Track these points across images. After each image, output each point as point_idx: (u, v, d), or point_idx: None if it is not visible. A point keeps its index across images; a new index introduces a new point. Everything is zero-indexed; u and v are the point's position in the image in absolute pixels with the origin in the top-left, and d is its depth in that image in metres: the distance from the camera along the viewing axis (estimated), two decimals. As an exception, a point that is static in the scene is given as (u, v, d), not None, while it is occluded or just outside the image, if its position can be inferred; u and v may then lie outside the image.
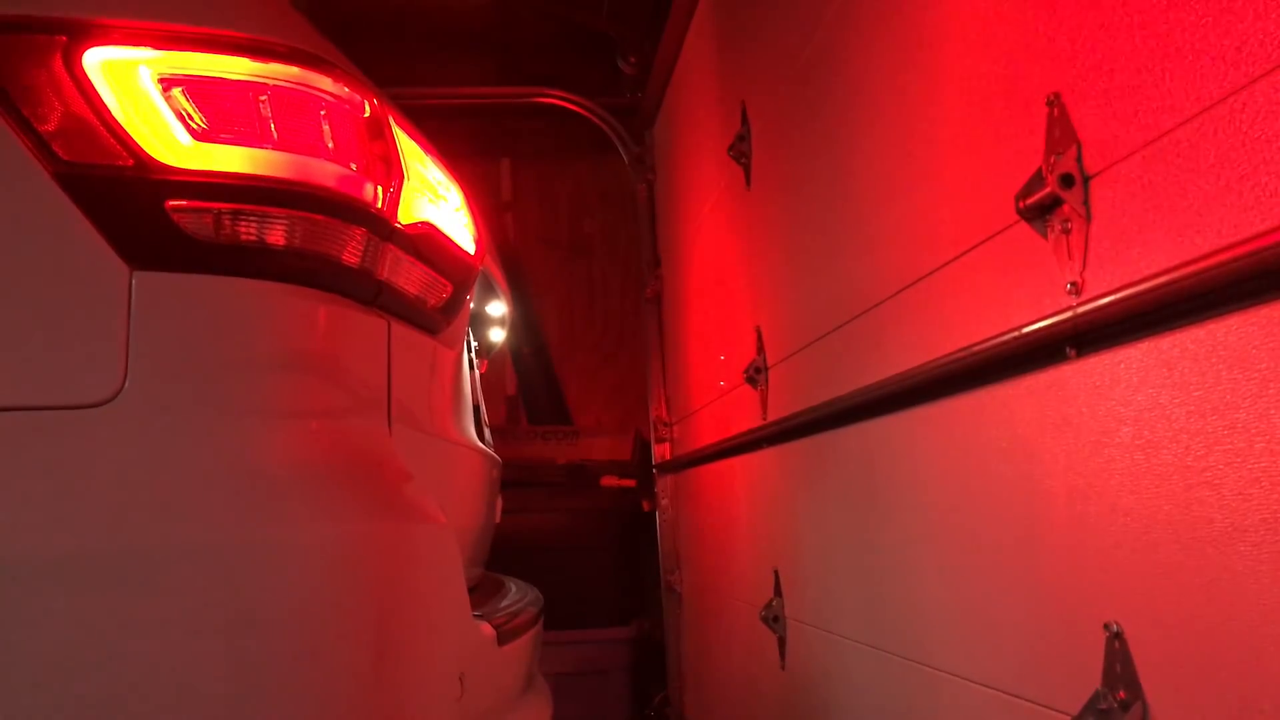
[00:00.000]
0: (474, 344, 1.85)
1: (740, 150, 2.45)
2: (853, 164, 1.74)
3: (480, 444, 1.70)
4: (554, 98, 3.79)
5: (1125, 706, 1.02)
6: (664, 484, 3.70)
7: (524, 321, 4.16)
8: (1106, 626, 1.06)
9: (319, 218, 1.01)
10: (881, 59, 1.60)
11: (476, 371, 1.86)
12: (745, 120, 2.43)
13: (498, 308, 2.02)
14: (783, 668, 2.25)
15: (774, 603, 2.26)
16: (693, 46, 3.09)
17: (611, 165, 3.98)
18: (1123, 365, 1.03)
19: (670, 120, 3.51)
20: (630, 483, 3.91)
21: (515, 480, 2.96)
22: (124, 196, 0.93)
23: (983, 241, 1.29)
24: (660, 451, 3.72)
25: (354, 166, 1.05)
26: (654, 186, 3.84)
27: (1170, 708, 0.98)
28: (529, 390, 4.30)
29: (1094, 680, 1.07)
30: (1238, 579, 0.88)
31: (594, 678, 3.58)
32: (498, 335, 2.12)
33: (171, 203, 0.94)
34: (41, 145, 0.91)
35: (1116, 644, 1.05)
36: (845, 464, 1.84)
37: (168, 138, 0.95)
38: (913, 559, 1.55)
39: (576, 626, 3.50)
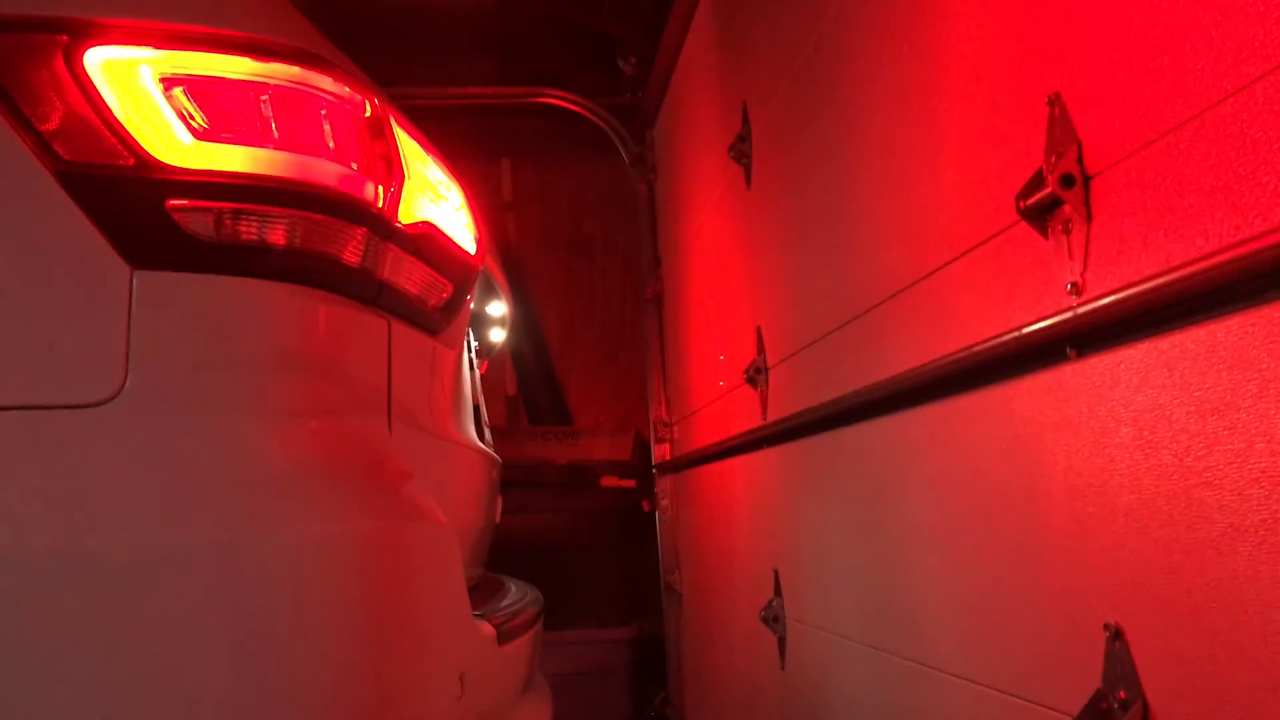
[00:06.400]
0: (474, 344, 1.85)
1: (740, 150, 2.45)
2: (853, 164, 1.74)
3: (480, 444, 1.70)
4: (554, 98, 3.79)
5: (1125, 706, 1.02)
6: (664, 484, 3.69)
7: (524, 321, 4.16)
8: (1106, 626, 1.06)
9: (320, 217, 1.01)
10: (882, 59, 1.60)
11: (476, 371, 1.86)
12: (746, 120, 2.42)
13: (498, 308, 2.02)
14: (783, 668, 2.25)
15: (774, 603, 2.26)
16: (693, 46, 3.09)
17: (612, 165, 3.97)
18: (1123, 366, 1.03)
19: (671, 120, 3.50)
20: (630, 483, 3.91)
21: (515, 480, 2.96)
22: (125, 196, 0.93)
23: (983, 242, 1.29)
24: (660, 452, 3.72)
25: (355, 166, 1.05)
26: (654, 186, 3.83)
27: (1170, 708, 0.98)
28: (529, 390, 4.30)
29: (1094, 680, 1.07)
30: (1238, 579, 0.88)
31: (594, 678, 3.58)
32: (498, 335, 2.12)
33: (172, 202, 0.94)
34: (42, 145, 0.91)
35: (1116, 644, 1.05)
36: (845, 464, 1.84)
37: (169, 137, 0.95)
38: (913, 559, 1.55)
39: (576, 626, 3.51)
